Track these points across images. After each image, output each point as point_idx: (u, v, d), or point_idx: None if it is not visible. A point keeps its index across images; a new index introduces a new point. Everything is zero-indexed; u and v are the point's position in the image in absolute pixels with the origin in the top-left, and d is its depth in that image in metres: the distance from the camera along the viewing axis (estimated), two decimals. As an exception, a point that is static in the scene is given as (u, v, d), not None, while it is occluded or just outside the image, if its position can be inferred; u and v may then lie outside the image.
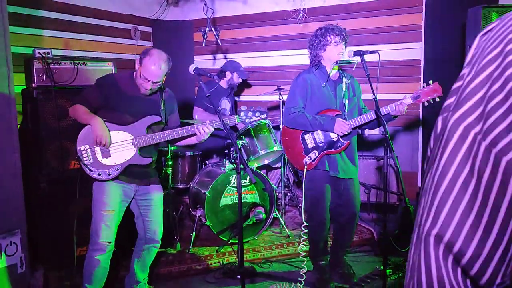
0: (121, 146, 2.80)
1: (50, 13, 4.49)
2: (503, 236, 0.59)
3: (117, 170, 2.80)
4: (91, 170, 2.76)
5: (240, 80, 4.80)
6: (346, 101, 3.24)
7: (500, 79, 0.58)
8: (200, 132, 2.84)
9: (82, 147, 2.76)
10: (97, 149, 2.77)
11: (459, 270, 0.63)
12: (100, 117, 2.75)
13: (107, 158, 2.78)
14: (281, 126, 4.59)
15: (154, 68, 2.70)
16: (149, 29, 5.87)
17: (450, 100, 0.68)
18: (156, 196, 3.00)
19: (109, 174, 2.79)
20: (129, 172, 2.84)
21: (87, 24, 4.94)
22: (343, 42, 3.16)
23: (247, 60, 5.59)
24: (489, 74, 0.61)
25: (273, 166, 5.00)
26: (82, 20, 4.88)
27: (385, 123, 2.84)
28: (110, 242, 2.83)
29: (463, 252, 0.61)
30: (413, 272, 0.67)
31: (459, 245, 0.62)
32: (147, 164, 2.90)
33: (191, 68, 2.83)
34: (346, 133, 3.18)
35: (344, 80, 3.28)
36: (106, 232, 2.80)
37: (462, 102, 0.63)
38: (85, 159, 2.76)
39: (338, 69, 3.32)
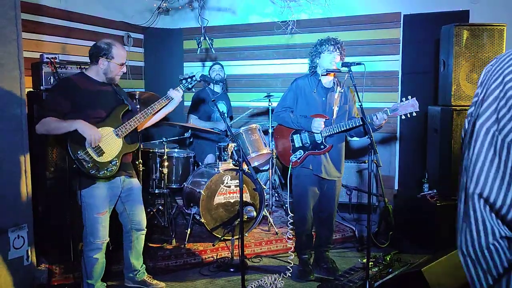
0: (108, 140, 2.91)
1: (49, 19, 4.67)
2: None
3: (116, 163, 2.93)
4: (94, 171, 2.84)
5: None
6: (336, 108, 3.53)
7: (504, 97, 1.04)
8: (174, 96, 3.07)
9: (79, 153, 2.80)
10: (90, 150, 2.83)
11: (493, 214, 1.06)
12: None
13: (102, 155, 2.87)
14: (269, 131, 4.88)
15: (123, 51, 3.01)
16: (141, 36, 6.08)
17: (471, 109, 1.16)
18: (137, 188, 3.21)
19: (111, 170, 2.91)
20: (120, 164, 2.99)
21: (83, 31, 5.13)
22: (336, 52, 3.43)
23: (236, 68, 5.88)
24: (496, 95, 1.05)
25: (261, 169, 5.27)
26: (79, 27, 5.07)
27: (370, 128, 3.05)
28: (106, 240, 3.02)
29: (495, 202, 1.04)
30: (465, 218, 1.11)
31: (492, 198, 1.04)
32: (132, 155, 3.11)
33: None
34: (328, 134, 3.47)
35: (338, 89, 3.55)
36: (102, 232, 2.98)
37: (482, 112, 1.08)
38: (85, 163, 2.81)
39: (334, 78, 3.58)
